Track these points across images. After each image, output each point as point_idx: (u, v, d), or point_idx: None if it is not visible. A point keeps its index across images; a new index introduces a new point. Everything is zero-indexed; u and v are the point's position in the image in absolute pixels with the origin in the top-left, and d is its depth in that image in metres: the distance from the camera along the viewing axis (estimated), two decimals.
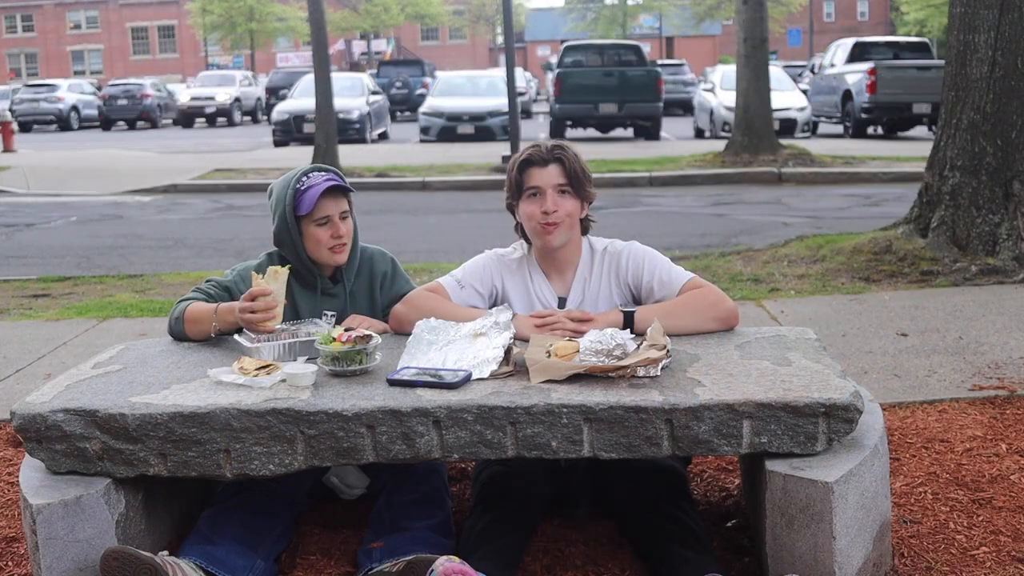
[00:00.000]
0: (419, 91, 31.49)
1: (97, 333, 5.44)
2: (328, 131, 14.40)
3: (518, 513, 2.68)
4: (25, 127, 31.10)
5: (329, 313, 3.06)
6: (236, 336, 2.91)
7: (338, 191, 3.03)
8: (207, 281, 3.13)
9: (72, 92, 33.20)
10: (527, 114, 29.76)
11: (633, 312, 2.87)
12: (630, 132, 20.72)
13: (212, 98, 31.38)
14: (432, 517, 2.72)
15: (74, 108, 32.41)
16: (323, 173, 3.07)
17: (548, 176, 2.94)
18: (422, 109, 21.80)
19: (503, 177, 3.11)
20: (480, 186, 13.16)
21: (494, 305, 3.07)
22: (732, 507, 3.04)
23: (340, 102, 17.69)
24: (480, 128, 20.44)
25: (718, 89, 20.39)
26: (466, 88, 22.28)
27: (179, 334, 3.05)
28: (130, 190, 13.85)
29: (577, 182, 2.95)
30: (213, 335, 2.99)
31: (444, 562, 2.30)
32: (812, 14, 49.13)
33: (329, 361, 2.65)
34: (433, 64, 38.48)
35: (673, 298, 2.94)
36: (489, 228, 9.54)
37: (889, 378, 4.16)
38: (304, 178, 3.05)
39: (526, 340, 2.77)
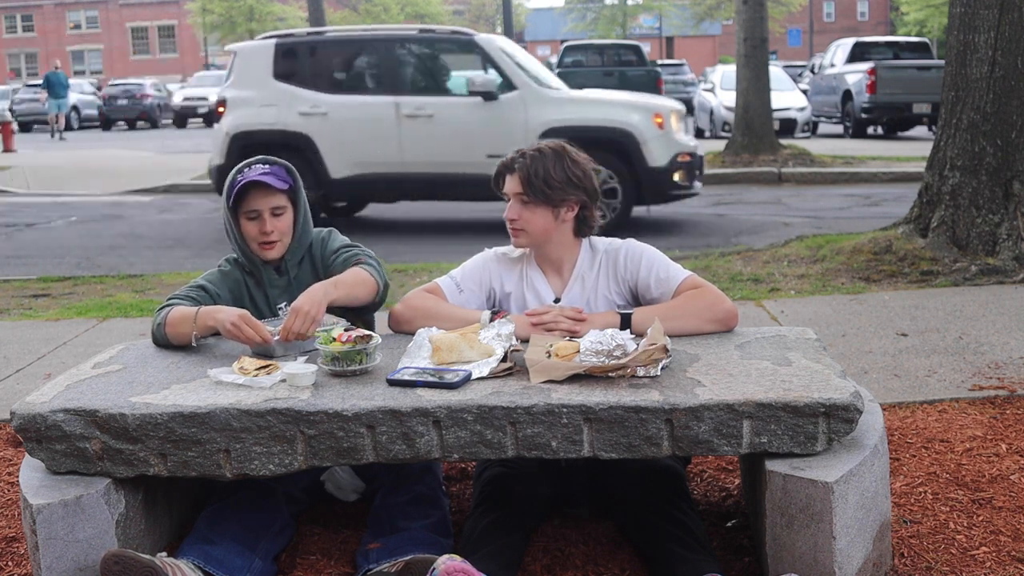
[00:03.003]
0: None
1: (97, 333, 5.44)
2: None
3: (519, 514, 2.68)
4: (25, 127, 31.09)
5: (283, 305, 3.04)
6: None
7: (271, 186, 2.98)
8: (188, 286, 3.12)
9: (72, 92, 33.16)
10: None
11: (631, 314, 2.87)
12: None
13: (205, 98, 31.35)
14: (428, 517, 2.72)
15: (74, 108, 32.39)
16: (264, 166, 3.03)
17: (511, 184, 2.98)
18: None
19: None
20: None
21: (492, 305, 3.08)
22: (732, 507, 3.04)
23: None
24: None
25: (718, 89, 20.41)
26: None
27: (162, 340, 2.99)
28: (130, 190, 13.85)
29: (535, 191, 2.91)
30: (194, 344, 2.94)
31: (446, 560, 2.30)
32: (812, 14, 49.15)
33: (329, 361, 2.65)
34: None
35: (669, 296, 2.93)
36: (489, 228, 9.54)
37: (889, 378, 4.16)
38: (246, 169, 3.03)
39: (525, 340, 2.77)
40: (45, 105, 27.46)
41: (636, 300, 3.01)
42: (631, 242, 3.06)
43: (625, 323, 2.85)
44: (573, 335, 2.78)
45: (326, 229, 3.22)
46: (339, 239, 3.18)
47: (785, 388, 2.45)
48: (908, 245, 6.38)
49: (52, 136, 26.27)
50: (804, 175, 13.26)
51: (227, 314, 2.82)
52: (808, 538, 2.35)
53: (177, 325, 2.93)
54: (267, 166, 3.05)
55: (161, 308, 3.04)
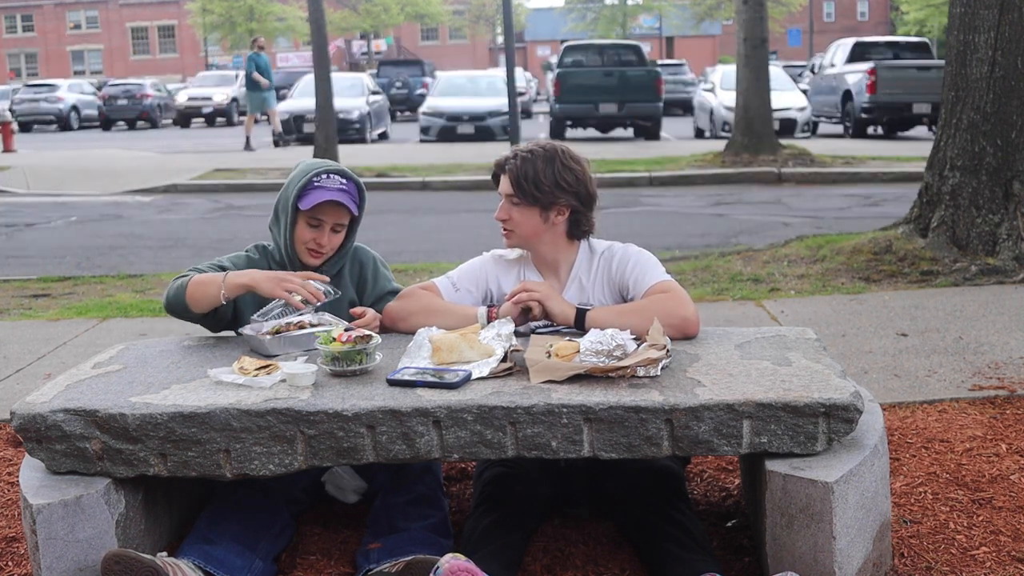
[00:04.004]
0: (419, 91, 31.51)
1: (97, 333, 5.44)
2: (328, 131, 14.40)
3: (519, 513, 2.68)
4: (25, 127, 31.08)
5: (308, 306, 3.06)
6: (241, 329, 2.92)
7: (345, 206, 3.01)
8: (208, 263, 3.11)
9: (72, 92, 33.19)
10: (527, 114, 29.77)
11: (587, 311, 2.86)
12: (630, 132, 20.73)
13: (209, 98, 31.39)
14: (428, 517, 2.72)
15: (74, 108, 32.42)
16: (345, 182, 3.03)
17: (503, 185, 2.99)
18: (422, 109, 21.82)
19: None
20: (480, 186, 13.14)
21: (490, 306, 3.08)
22: (732, 507, 3.04)
23: (340, 102, 17.68)
24: (480, 128, 20.44)
25: (718, 89, 20.41)
26: (466, 88, 22.29)
27: (179, 303, 2.94)
28: (130, 190, 13.85)
29: (524, 193, 2.92)
30: (223, 301, 2.91)
31: (450, 560, 2.30)
32: (812, 14, 49.18)
33: (329, 361, 2.65)
34: (433, 64, 38.47)
35: (640, 297, 2.92)
36: (489, 228, 9.53)
37: (889, 378, 4.16)
38: (324, 176, 3.01)
39: (520, 332, 2.80)
40: (243, 101, 20.27)
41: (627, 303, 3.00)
42: (629, 246, 3.05)
43: (579, 319, 2.84)
44: (532, 309, 2.83)
45: (371, 253, 3.23)
46: (386, 277, 3.20)
47: (785, 388, 2.45)
48: (908, 245, 6.38)
49: (247, 146, 18.80)
50: (804, 175, 13.25)
51: (265, 272, 2.90)
52: (808, 538, 2.35)
53: (205, 284, 2.91)
54: (345, 180, 3.03)
55: (179, 277, 3.01)
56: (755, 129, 14.31)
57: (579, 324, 2.84)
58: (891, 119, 18.76)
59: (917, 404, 3.85)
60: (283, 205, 3.06)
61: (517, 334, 2.83)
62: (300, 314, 2.93)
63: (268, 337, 2.84)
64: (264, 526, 2.69)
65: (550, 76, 22.67)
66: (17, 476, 2.94)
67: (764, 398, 2.39)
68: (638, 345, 2.63)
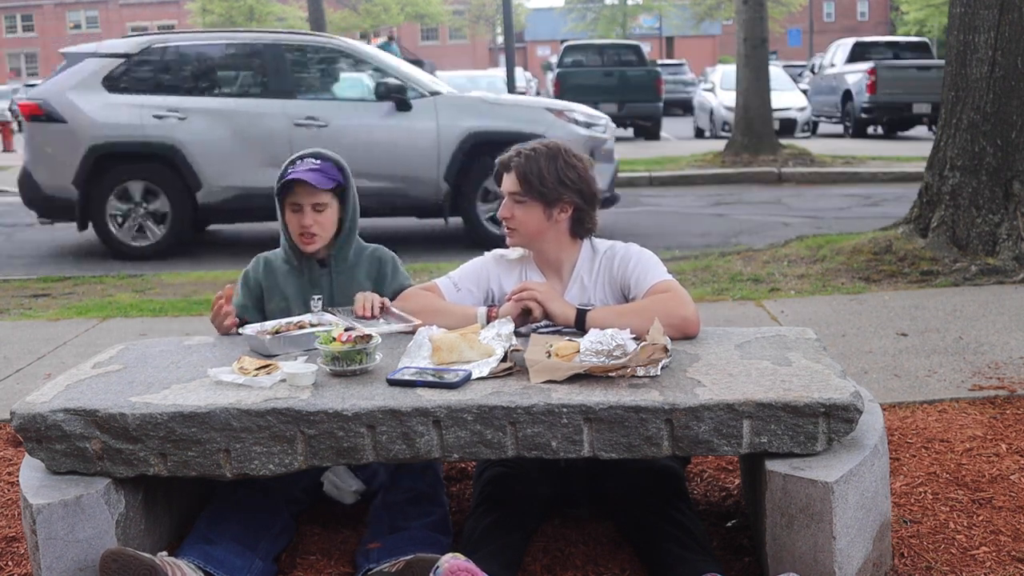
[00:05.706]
0: None
1: (97, 333, 5.44)
2: None
3: (519, 513, 2.68)
4: None
5: (316, 297, 3.12)
6: (241, 329, 2.93)
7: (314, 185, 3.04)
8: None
9: None
10: None
11: (587, 311, 2.87)
12: (630, 132, 20.73)
13: None
14: (429, 515, 2.72)
15: None
16: (318, 162, 3.09)
17: (507, 183, 2.99)
18: None
19: None
20: None
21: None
22: (732, 507, 3.04)
23: None
24: None
25: (718, 89, 20.43)
26: (466, 88, 22.28)
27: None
28: None
29: (531, 190, 2.93)
30: (236, 325, 3.09)
31: (450, 559, 2.30)
32: (812, 14, 49.17)
33: (329, 361, 2.65)
34: (433, 64, 38.43)
35: (641, 297, 2.93)
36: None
37: (889, 378, 4.16)
38: (299, 161, 3.10)
39: (520, 332, 2.81)
40: None
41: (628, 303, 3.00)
42: (631, 245, 3.06)
43: (580, 319, 2.84)
44: (532, 310, 2.84)
45: (390, 253, 3.27)
46: (404, 275, 3.23)
47: (785, 388, 2.45)
48: (908, 245, 6.38)
49: None
50: (804, 175, 13.26)
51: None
52: (808, 538, 2.35)
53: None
54: (318, 160, 3.09)
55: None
56: (755, 129, 14.32)
57: (579, 324, 2.84)
58: (891, 119, 18.78)
59: (917, 404, 3.85)
60: (276, 202, 3.14)
61: (517, 334, 2.84)
62: (303, 316, 2.97)
63: (268, 337, 2.85)
64: (264, 526, 2.69)
65: (550, 76, 22.69)
66: (17, 476, 2.94)
67: (764, 398, 2.39)
68: (638, 345, 2.63)
